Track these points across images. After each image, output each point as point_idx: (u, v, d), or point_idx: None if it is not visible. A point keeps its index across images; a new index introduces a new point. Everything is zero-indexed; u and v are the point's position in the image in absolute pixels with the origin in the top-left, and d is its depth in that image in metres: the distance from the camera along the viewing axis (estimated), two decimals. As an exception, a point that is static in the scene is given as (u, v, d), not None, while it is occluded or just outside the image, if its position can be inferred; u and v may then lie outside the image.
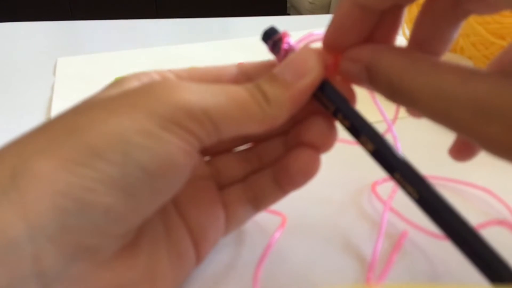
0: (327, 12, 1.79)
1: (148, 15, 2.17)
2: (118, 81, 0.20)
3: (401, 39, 0.38)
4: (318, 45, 0.21)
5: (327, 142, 0.22)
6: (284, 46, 0.21)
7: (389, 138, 0.20)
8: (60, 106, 0.39)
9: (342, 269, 0.23)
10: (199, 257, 0.22)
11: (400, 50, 0.19)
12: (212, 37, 0.53)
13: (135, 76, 0.21)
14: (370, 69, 0.19)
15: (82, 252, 0.16)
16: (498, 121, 0.15)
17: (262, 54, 0.47)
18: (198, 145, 0.18)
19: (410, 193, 0.18)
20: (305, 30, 0.53)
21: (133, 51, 0.50)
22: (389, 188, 0.28)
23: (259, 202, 0.23)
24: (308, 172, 0.22)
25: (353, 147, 0.22)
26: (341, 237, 0.25)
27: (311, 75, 0.20)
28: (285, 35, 0.22)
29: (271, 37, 0.22)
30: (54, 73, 0.45)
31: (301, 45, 0.21)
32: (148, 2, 2.28)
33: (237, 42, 0.51)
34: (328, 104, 0.20)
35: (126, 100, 0.17)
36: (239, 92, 0.19)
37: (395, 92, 0.18)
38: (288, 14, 2.18)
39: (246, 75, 0.23)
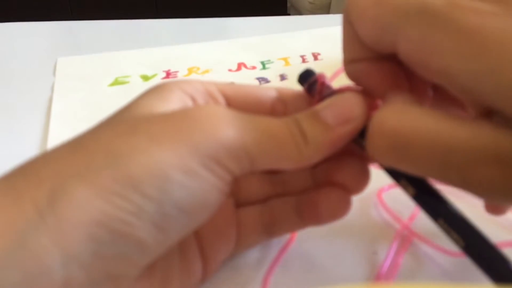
0: (327, 12, 1.79)
1: (148, 15, 2.16)
2: (159, 88, 0.20)
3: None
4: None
5: (359, 185, 0.22)
6: (320, 87, 0.21)
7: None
8: (60, 106, 0.39)
9: (351, 275, 0.23)
10: (205, 276, 0.22)
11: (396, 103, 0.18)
12: (212, 37, 0.52)
13: (177, 85, 0.20)
14: None
15: (109, 279, 0.16)
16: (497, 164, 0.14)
17: (262, 54, 0.47)
18: (231, 181, 0.18)
19: (455, 240, 0.18)
20: (305, 30, 0.53)
21: (133, 51, 0.49)
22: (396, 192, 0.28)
23: (274, 228, 0.23)
24: (337, 213, 0.22)
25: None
26: (352, 242, 0.25)
27: (356, 122, 0.19)
28: (321, 77, 0.21)
29: (307, 80, 0.21)
30: (54, 73, 0.45)
31: (335, 81, 0.21)
32: (148, 2, 2.28)
33: (237, 42, 0.51)
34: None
35: (169, 128, 0.17)
36: (279, 128, 0.19)
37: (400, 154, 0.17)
38: (288, 14, 2.18)
39: (284, 101, 0.22)
